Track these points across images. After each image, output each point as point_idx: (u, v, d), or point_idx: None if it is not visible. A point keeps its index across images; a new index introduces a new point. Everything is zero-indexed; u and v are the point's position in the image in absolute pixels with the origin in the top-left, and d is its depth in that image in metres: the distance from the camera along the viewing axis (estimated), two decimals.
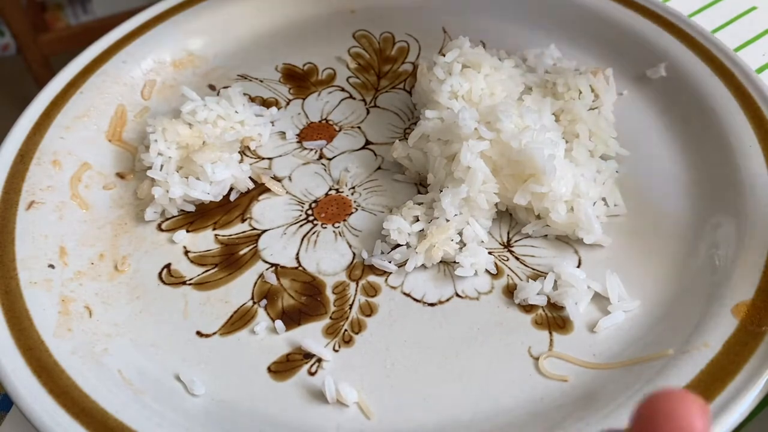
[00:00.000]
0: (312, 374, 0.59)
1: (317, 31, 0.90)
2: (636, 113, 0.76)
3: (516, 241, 0.67)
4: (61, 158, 0.73)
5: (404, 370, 0.58)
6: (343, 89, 0.83)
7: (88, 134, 0.76)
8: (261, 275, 0.66)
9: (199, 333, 0.62)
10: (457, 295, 0.63)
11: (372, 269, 0.65)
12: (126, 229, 0.70)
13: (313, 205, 0.72)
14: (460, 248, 0.64)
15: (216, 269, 0.67)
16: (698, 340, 0.55)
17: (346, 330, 0.61)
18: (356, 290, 0.64)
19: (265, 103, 0.82)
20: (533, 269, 0.64)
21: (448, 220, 0.64)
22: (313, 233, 0.69)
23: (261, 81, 0.85)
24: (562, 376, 0.57)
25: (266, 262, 0.67)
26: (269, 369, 0.59)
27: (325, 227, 0.69)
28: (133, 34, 0.84)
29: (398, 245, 0.65)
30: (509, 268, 0.65)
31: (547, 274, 0.63)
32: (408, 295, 0.64)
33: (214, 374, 0.59)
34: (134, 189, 0.73)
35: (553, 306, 0.61)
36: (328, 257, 0.67)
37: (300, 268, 0.66)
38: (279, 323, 0.62)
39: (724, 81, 0.73)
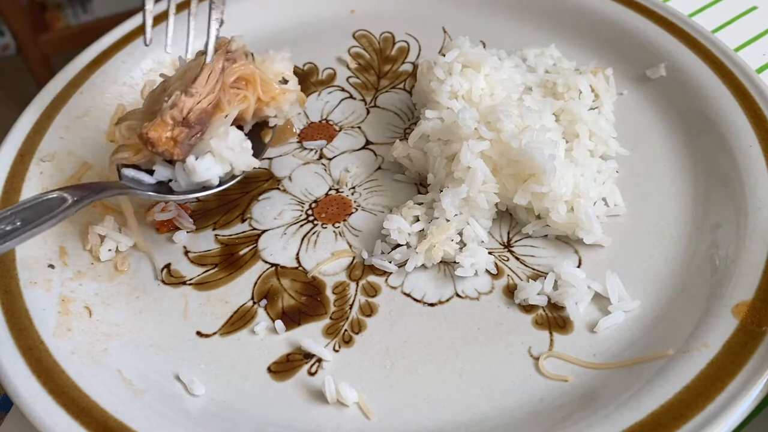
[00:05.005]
0: (312, 374, 0.59)
1: (317, 31, 0.90)
2: (636, 113, 0.76)
3: (516, 241, 0.67)
4: (61, 158, 0.73)
5: (404, 371, 0.58)
6: (343, 89, 0.83)
7: (88, 134, 0.76)
8: (261, 275, 0.66)
9: (199, 333, 0.62)
10: (458, 295, 0.63)
11: (372, 269, 0.65)
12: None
13: (314, 205, 0.72)
14: (460, 248, 0.64)
15: (216, 269, 0.67)
16: (698, 340, 0.55)
17: (346, 330, 0.61)
18: (356, 290, 0.64)
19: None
20: (533, 269, 0.64)
21: (448, 220, 0.64)
22: (313, 233, 0.69)
23: None
24: (562, 376, 0.57)
25: (266, 262, 0.67)
26: (269, 369, 0.59)
27: (326, 227, 0.69)
28: (133, 34, 0.84)
29: (398, 245, 0.65)
30: (509, 268, 0.65)
31: (547, 274, 0.63)
32: (408, 295, 0.64)
33: (214, 374, 0.59)
34: None
35: (554, 306, 0.61)
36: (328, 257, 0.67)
37: (300, 268, 0.66)
38: (279, 323, 0.62)
39: (724, 81, 0.73)
